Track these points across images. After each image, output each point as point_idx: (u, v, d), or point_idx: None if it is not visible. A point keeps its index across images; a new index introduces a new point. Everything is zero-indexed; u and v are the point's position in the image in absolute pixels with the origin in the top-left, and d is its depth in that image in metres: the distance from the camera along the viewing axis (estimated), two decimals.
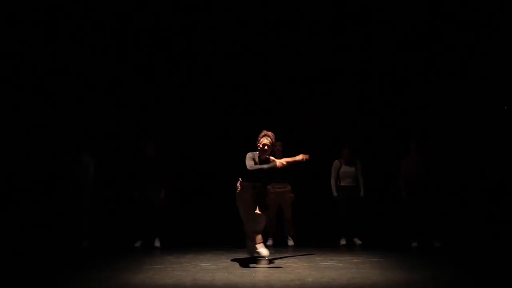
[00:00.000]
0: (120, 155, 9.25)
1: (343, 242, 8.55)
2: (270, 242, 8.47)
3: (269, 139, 6.55)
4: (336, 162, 8.72)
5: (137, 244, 8.37)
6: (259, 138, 6.58)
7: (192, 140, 9.58)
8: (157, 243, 8.41)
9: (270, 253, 7.50)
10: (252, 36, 9.57)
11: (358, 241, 8.53)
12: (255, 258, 6.66)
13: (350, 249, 8.11)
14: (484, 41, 9.19)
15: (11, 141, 9.07)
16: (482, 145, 9.10)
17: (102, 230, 8.87)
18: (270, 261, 6.64)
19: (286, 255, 7.32)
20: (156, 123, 9.48)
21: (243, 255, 6.92)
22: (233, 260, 6.76)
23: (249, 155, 6.50)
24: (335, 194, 8.67)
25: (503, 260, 7.00)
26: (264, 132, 6.60)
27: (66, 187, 8.54)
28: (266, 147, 6.51)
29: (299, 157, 6.70)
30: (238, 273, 5.88)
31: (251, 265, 6.35)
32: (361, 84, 9.58)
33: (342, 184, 8.65)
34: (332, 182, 8.69)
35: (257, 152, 6.57)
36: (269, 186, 8.58)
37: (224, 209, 9.17)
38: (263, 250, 6.50)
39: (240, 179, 6.66)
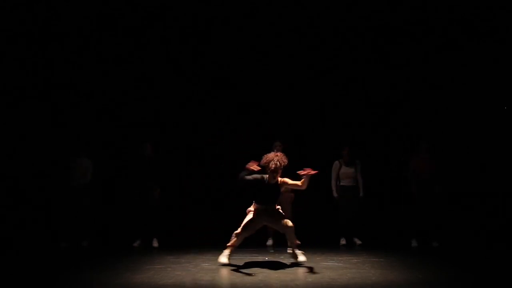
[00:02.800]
0: (120, 155, 9.25)
1: (343, 242, 8.56)
2: (270, 242, 8.46)
3: (277, 162, 6.24)
4: (336, 163, 8.74)
5: (136, 243, 8.39)
6: (267, 161, 6.29)
7: (193, 140, 9.58)
8: (155, 243, 8.42)
9: (270, 253, 7.52)
10: (253, 36, 9.58)
11: (358, 241, 8.54)
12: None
13: (350, 249, 8.11)
14: (484, 41, 9.19)
15: (11, 143, 9.07)
16: (483, 145, 9.10)
17: (102, 230, 8.88)
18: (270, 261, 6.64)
19: (286, 255, 7.30)
20: (157, 123, 9.48)
21: (243, 255, 6.92)
22: (233, 260, 6.75)
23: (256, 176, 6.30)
24: (335, 194, 8.68)
25: (502, 260, 7.00)
26: (272, 154, 6.34)
27: (66, 188, 8.56)
28: (274, 170, 6.25)
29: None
30: (238, 273, 5.88)
31: (251, 265, 6.35)
32: (359, 84, 9.58)
33: (342, 184, 8.67)
34: (333, 182, 8.71)
35: (267, 175, 6.34)
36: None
37: (224, 210, 9.23)
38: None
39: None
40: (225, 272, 5.91)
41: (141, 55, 9.53)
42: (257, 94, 9.51)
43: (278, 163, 6.24)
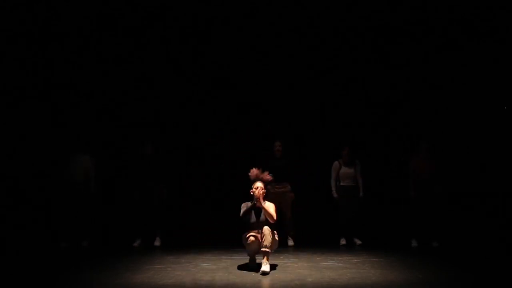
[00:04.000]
0: (120, 155, 9.25)
1: (343, 242, 8.56)
2: None
3: (261, 184, 6.29)
4: (336, 163, 8.74)
5: (136, 243, 8.39)
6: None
7: (193, 140, 9.58)
8: (157, 242, 8.44)
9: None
10: (253, 36, 9.58)
11: (358, 241, 8.54)
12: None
13: (350, 249, 8.11)
14: (484, 41, 9.19)
15: (11, 143, 9.06)
16: (483, 145, 9.09)
17: (102, 230, 8.88)
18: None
19: (286, 255, 7.31)
20: (157, 123, 9.47)
21: (243, 255, 6.92)
22: (233, 260, 6.76)
23: (242, 205, 6.32)
24: (335, 195, 8.68)
25: (502, 259, 7.01)
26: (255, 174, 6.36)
27: (66, 187, 8.56)
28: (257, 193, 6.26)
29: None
30: (238, 273, 5.89)
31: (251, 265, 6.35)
32: (359, 84, 9.57)
33: (342, 184, 8.67)
34: (332, 182, 8.71)
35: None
36: (268, 186, 8.56)
37: (224, 210, 9.22)
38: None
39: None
40: (225, 272, 5.91)
41: (141, 55, 9.52)
42: (257, 94, 9.51)
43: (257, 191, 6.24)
